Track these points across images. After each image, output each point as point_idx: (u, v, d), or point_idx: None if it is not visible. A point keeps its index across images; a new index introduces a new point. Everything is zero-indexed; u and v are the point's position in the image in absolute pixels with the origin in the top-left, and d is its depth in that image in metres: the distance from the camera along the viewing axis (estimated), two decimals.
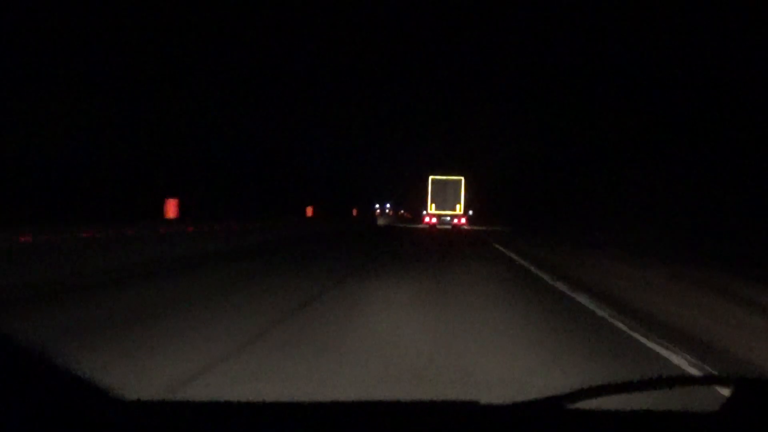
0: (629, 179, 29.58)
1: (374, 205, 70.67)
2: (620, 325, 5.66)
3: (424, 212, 36.98)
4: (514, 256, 14.26)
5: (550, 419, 0.93)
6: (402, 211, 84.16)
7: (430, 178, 37.00)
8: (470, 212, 44.64)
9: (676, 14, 25.28)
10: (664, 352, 4.54)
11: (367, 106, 60.37)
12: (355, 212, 47.13)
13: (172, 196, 13.25)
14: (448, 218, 35.79)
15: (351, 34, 49.75)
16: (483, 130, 51.38)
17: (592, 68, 33.07)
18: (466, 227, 36.57)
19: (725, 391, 1.02)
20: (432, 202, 36.54)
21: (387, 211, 78.38)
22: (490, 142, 48.40)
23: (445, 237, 24.42)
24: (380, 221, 49.42)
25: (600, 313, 6.34)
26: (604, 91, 32.17)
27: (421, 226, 38.70)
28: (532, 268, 11.25)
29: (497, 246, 18.55)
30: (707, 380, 1.41)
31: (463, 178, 36.94)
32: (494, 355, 4.26)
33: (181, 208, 13.09)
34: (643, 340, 4.99)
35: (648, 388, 0.94)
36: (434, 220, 35.88)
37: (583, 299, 7.30)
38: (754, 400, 0.89)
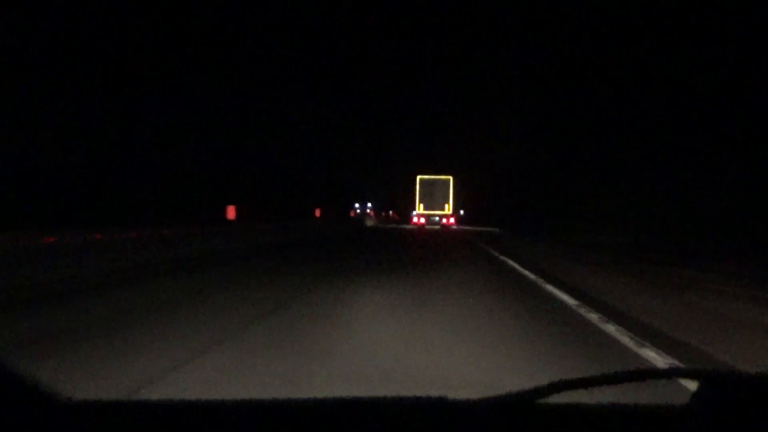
0: (621, 178, 29.18)
1: (354, 205, 61.73)
2: None
3: (413, 212, 36.31)
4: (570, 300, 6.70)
5: (519, 414, 0.92)
6: (391, 212, 78.30)
7: (418, 177, 36.58)
8: (461, 212, 43.53)
9: (669, 15, 24.14)
10: None
11: (350, 102, 57.95)
12: (318, 213, 36.27)
13: None
14: (437, 218, 36.03)
15: (334, 26, 47.05)
16: (473, 128, 49.61)
17: (583, 67, 31.98)
18: (455, 227, 35.42)
19: (694, 385, 0.95)
20: (420, 202, 36.23)
21: (368, 211, 70.69)
22: (482, 141, 46.70)
23: (434, 245, 19.61)
24: (369, 222, 46.80)
25: None
26: (595, 90, 31.32)
27: (409, 226, 37.80)
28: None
29: (511, 262, 11.94)
30: (677, 373, 1.25)
31: (451, 178, 36.66)
32: None
33: None
34: None
35: (617, 382, 0.93)
36: (423, 220, 35.47)
37: None
38: (722, 394, 0.88)
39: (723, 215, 20.75)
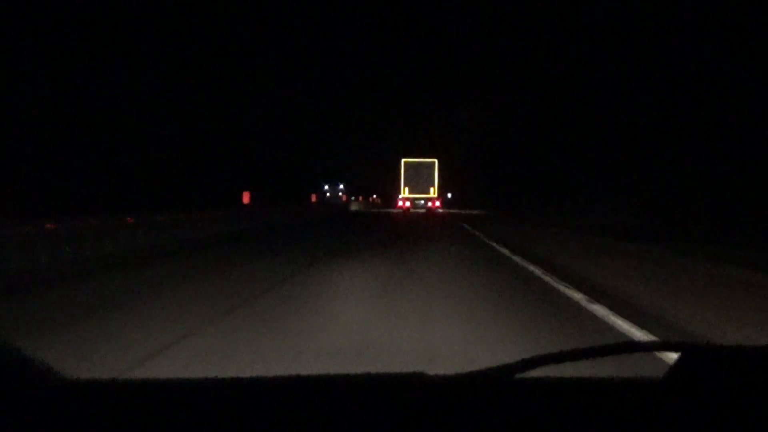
0: (610, 160, 28.83)
1: (324, 187, 52.53)
2: None
3: (398, 196, 36.95)
4: None
5: (497, 389, 0.92)
6: (374, 196, 72.65)
7: (403, 161, 36.90)
8: (449, 195, 43.79)
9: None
10: None
11: (325, 80, 53.77)
12: (247, 198, 24.85)
13: None
14: (422, 201, 36.15)
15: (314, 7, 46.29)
16: (457, 110, 49.19)
17: (570, 46, 31.97)
18: (440, 211, 35.76)
19: (671, 358, 1.00)
20: (405, 186, 36.57)
21: (340, 194, 59.59)
22: (466, 123, 46.42)
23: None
24: (353, 207, 46.44)
25: None
26: (582, 69, 31.14)
27: (394, 210, 37.80)
28: None
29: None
30: (653, 347, 1.15)
31: (436, 161, 36.73)
32: None
33: None
34: None
35: (595, 356, 0.93)
36: (408, 204, 35.98)
37: None
38: (699, 367, 0.89)
39: (697, 196, 20.48)
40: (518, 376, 0.91)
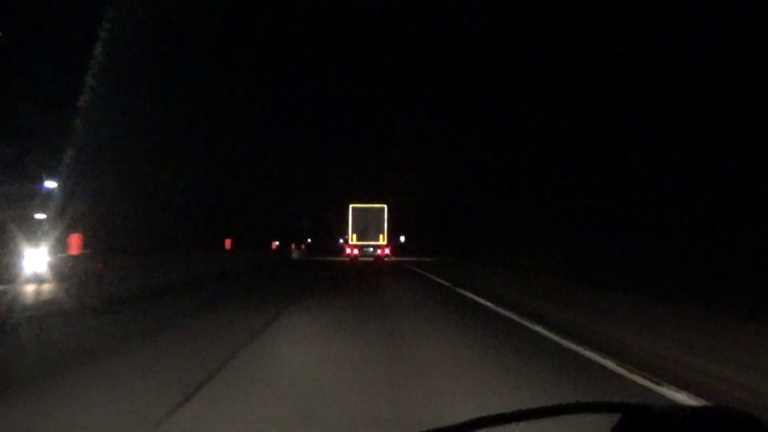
0: (556, 200, 28.93)
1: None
2: None
3: (342, 242, 36.14)
4: None
5: None
6: (309, 241, 59.21)
7: (351, 206, 35.89)
8: (402, 239, 42.89)
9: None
10: None
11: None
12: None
13: None
14: (371, 249, 34.94)
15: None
16: (405, 155, 48.37)
17: (515, 88, 32.42)
18: (389, 258, 34.75)
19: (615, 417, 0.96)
20: (353, 233, 35.37)
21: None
22: (415, 167, 45.95)
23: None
24: (294, 255, 43.81)
25: None
26: (531, 109, 31.47)
27: (340, 258, 36.46)
28: None
29: None
30: (595, 408, 1.13)
31: (386, 206, 35.82)
32: None
33: None
34: None
35: (539, 417, 0.96)
36: (356, 251, 34.93)
37: None
38: (640, 427, 0.92)
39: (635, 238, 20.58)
40: None
